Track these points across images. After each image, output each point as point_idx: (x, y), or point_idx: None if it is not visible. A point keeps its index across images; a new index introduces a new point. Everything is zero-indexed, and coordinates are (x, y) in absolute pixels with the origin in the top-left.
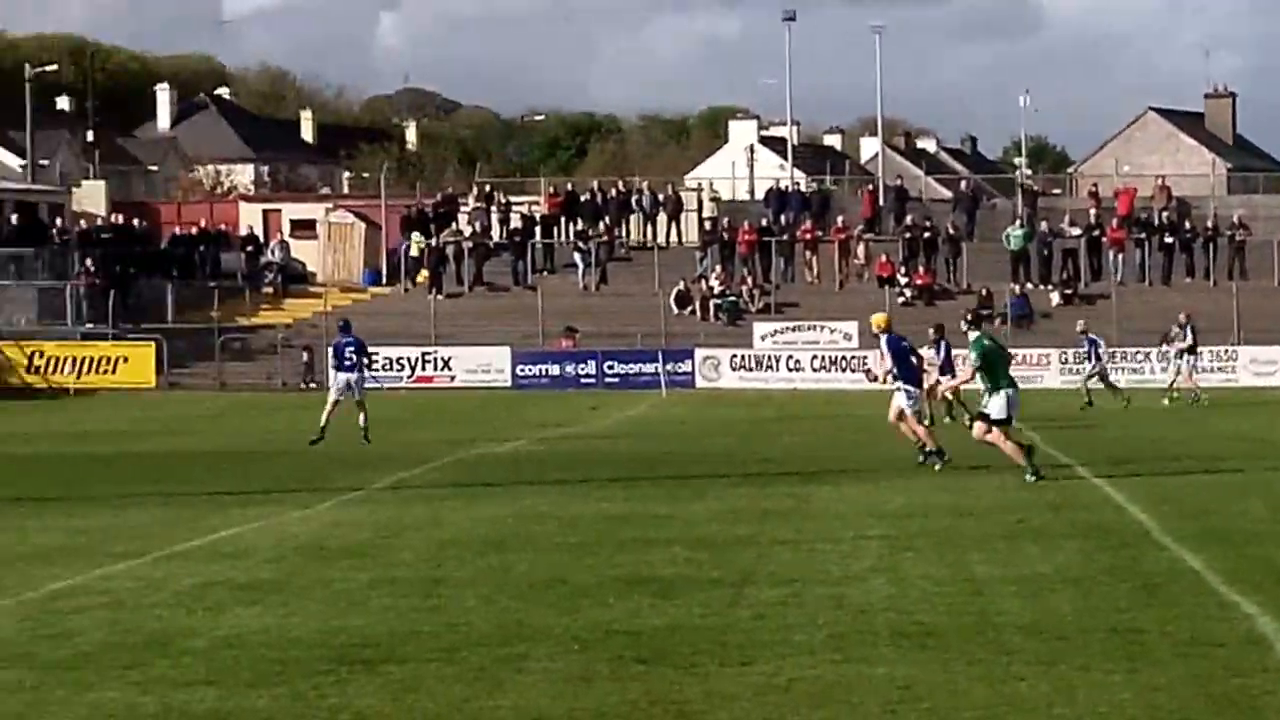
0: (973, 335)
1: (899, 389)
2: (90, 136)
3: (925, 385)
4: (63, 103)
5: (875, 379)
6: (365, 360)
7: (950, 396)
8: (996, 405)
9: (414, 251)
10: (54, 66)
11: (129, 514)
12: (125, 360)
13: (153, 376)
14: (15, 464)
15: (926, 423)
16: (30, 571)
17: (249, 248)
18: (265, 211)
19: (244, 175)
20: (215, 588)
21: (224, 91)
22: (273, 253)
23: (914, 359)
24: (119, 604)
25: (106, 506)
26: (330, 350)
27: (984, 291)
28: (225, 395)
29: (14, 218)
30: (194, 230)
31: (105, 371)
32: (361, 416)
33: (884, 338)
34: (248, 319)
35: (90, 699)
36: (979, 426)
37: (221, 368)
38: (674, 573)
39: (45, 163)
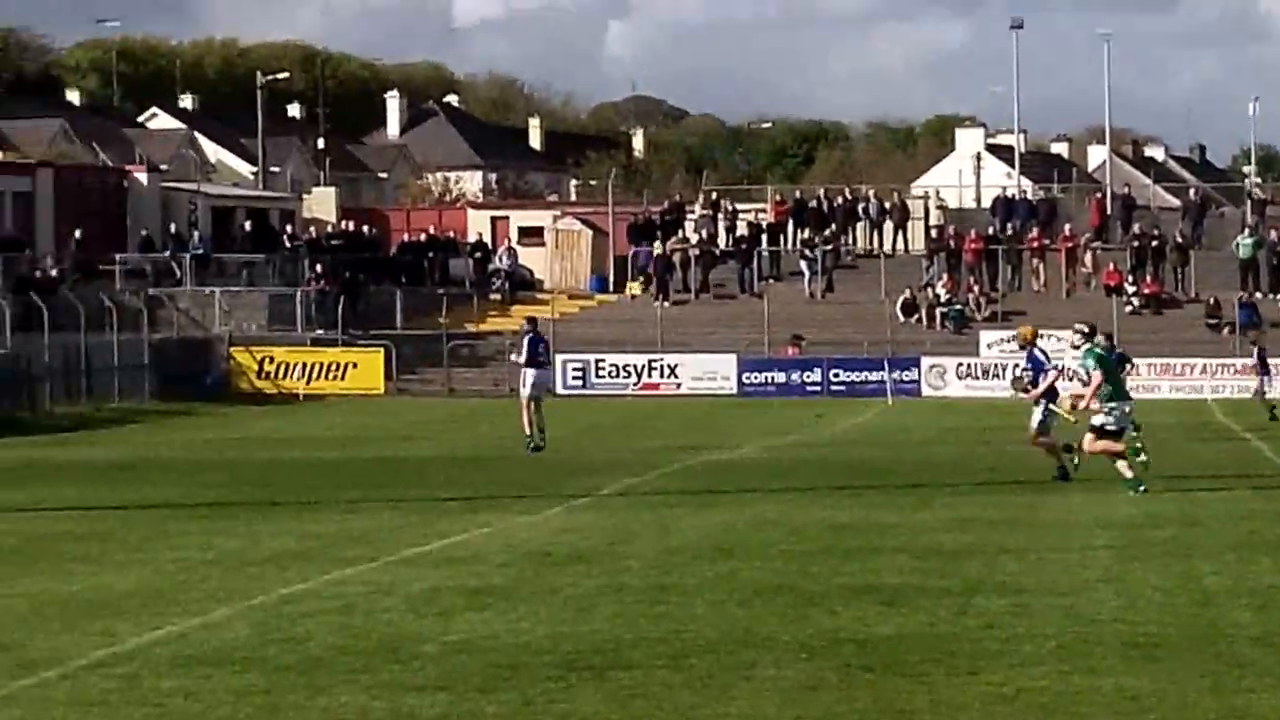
0: (1085, 347)
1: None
2: (321, 144)
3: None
4: (294, 110)
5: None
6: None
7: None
8: (1111, 416)
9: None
10: (285, 74)
11: (358, 519)
12: (354, 366)
13: (381, 382)
14: (246, 469)
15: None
16: (262, 576)
17: (477, 254)
18: (493, 219)
19: (472, 182)
20: (445, 593)
21: (453, 99)
22: (500, 260)
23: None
24: (349, 608)
25: (336, 511)
26: (526, 344)
27: (1212, 300)
28: (453, 401)
29: (246, 224)
30: (423, 237)
31: (334, 377)
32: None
33: (1027, 351)
34: (475, 325)
35: (322, 703)
36: (1089, 437)
37: (449, 374)
38: (901, 581)
39: (276, 170)
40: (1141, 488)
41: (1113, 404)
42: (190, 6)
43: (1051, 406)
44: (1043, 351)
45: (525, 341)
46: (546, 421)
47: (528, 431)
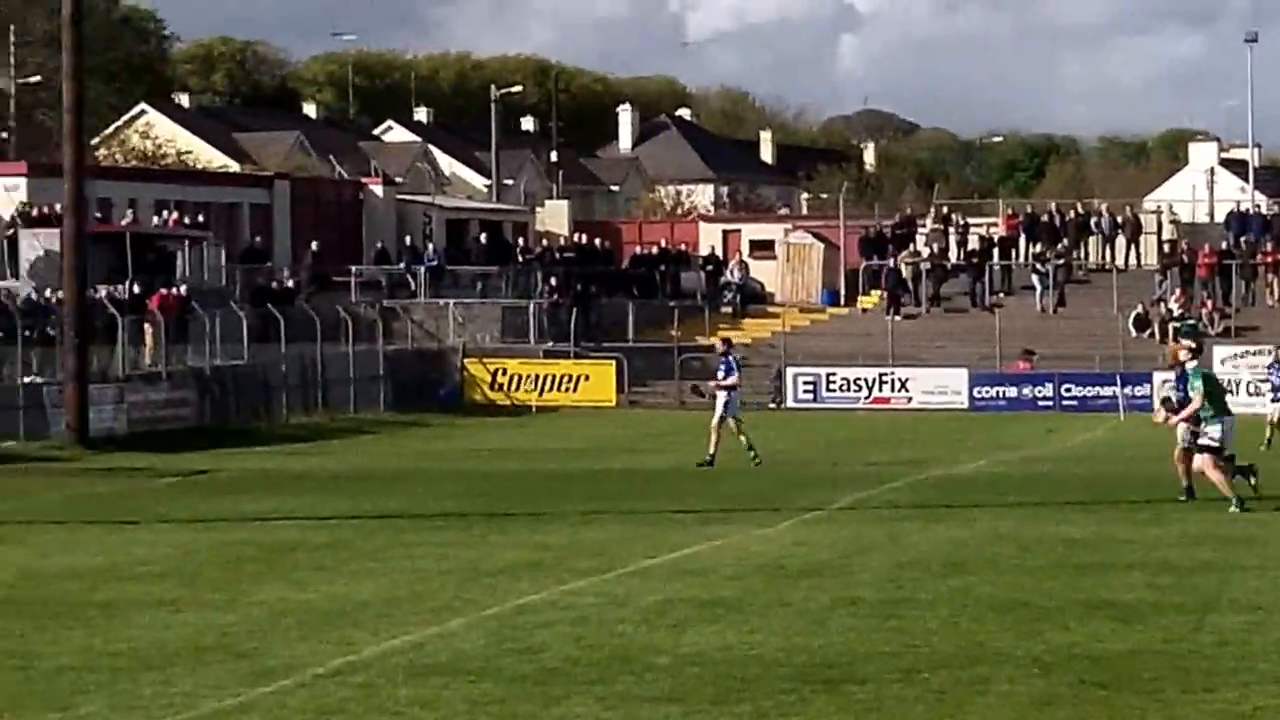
0: (1192, 365)
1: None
2: (554, 157)
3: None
4: (527, 123)
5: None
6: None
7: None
8: (1216, 433)
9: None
10: (519, 88)
11: (591, 530)
12: (586, 378)
13: (613, 394)
14: (480, 480)
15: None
16: (496, 586)
17: (709, 267)
18: (725, 232)
19: (704, 195)
20: (677, 605)
21: (685, 112)
22: (732, 273)
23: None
24: (583, 619)
25: (569, 523)
26: (723, 366)
27: None
28: (684, 413)
29: (480, 237)
30: (654, 250)
31: (567, 389)
32: (717, 438)
33: (1177, 371)
34: (706, 338)
35: (556, 713)
36: (1205, 459)
37: (681, 386)
38: (1135, 597)
39: (510, 182)
40: (1244, 506)
41: (1216, 422)
42: (426, 20)
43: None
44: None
45: (723, 363)
46: (753, 438)
47: (711, 450)
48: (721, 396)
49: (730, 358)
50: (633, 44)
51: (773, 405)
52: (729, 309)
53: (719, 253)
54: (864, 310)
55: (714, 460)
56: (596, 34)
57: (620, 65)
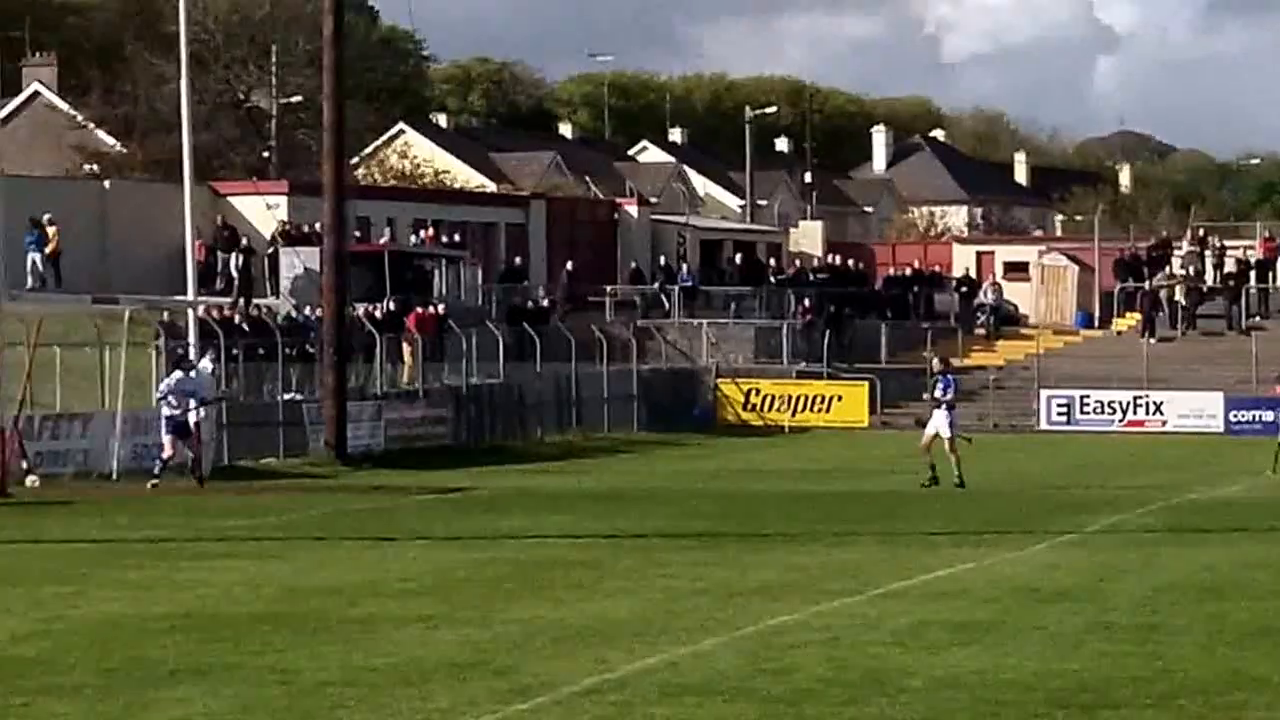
0: None
1: None
2: (808, 177)
3: None
4: (781, 144)
5: None
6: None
7: None
8: None
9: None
10: (773, 109)
11: (844, 551)
12: (839, 399)
13: (866, 415)
14: (733, 500)
15: None
16: (750, 606)
17: (962, 289)
18: (978, 253)
19: (957, 217)
20: (930, 627)
21: (939, 133)
22: (985, 294)
23: None
24: (836, 641)
25: (822, 543)
26: (942, 384)
27: None
28: None
29: (735, 257)
30: (907, 271)
31: (819, 410)
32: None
33: None
34: (960, 360)
35: None
36: None
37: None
38: None
39: (764, 203)
40: None
41: None
42: (681, 41)
43: None
44: None
45: (940, 382)
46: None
47: (929, 464)
48: (942, 415)
49: (949, 376)
50: (888, 65)
51: (1032, 429)
52: (982, 331)
53: (973, 274)
54: (1118, 333)
55: (936, 478)
56: (852, 55)
57: (875, 86)
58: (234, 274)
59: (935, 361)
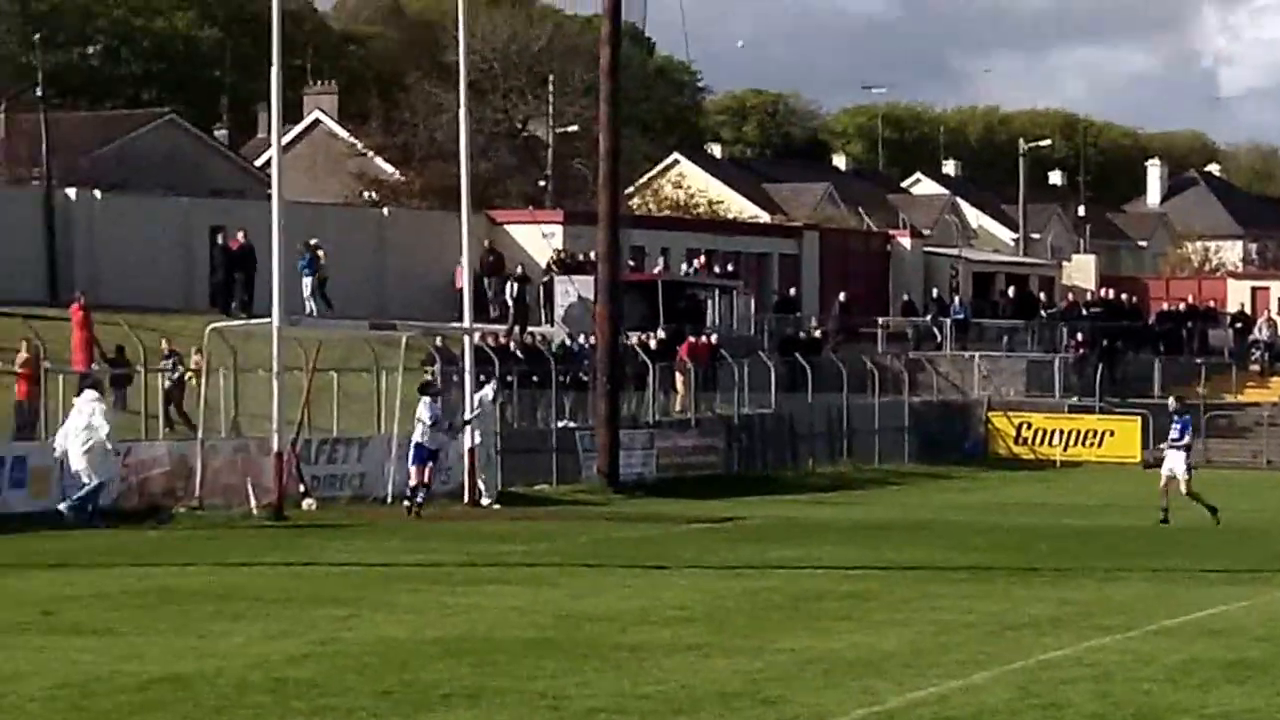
0: None
1: None
2: (1081, 211)
3: None
4: (1055, 177)
5: None
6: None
7: None
8: None
9: None
10: (1047, 141)
11: (1115, 587)
12: (1111, 434)
13: (1138, 450)
14: (1004, 533)
15: None
16: (1020, 640)
17: (1237, 325)
18: (1253, 289)
19: (1232, 252)
20: (1203, 664)
21: (1214, 168)
22: (1260, 330)
23: None
24: (1107, 676)
25: (1093, 578)
26: (1178, 425)
27: None
28: (1206, 471)
29: (1007, 290)
30: (1181, 306)
31: (1091, 444)
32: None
33: None
34: (1234, 396)
35: None
36: None
37: (1206, 444)
38: None
39: (1037, 236)
40: None
41: None
42: (956, 74)
43: None
44: None
45: (1177, 423)
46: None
47: (1162, 504)
48: (1179, 457)
49: (1185, 418)
50: (1163, 99)
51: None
52: (1257, 367)
53: (1247, 310)
54: None
55: (1168, 517)
56: (1128, 89)
57: (1150, 119)
58: (508, 301)
59: (1171, 401)
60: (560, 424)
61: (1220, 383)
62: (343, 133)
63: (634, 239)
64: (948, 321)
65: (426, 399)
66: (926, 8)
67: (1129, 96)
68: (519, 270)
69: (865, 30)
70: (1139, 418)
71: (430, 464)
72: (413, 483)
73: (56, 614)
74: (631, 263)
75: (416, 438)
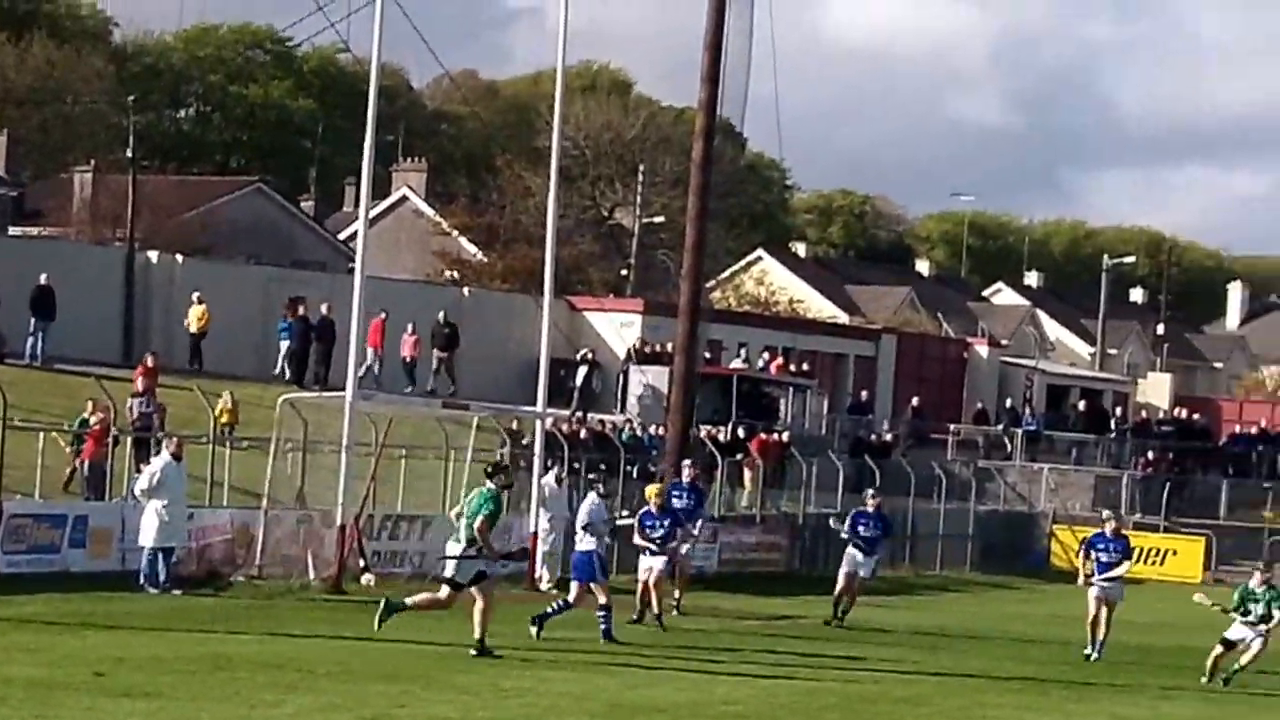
0: None
1: None
2: (1160, 329)
3: None
4: (1136, 294)
5: None
6: None
7: None
8: None
9: None
10: (1131, 259)
11: (1171, 705)
12: (1174, 553)
13: (1200, 571)
14: (1062, 648)
15: None
16: None
17: None
18: None
19: None
20: None
21: None
22: None
23: None
24: None
25: (1148, 696)
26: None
27: None
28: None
29: (1080, 404)
30: (1254, 429)
31: (1153, 562)
32: None
33: None
34: None
35: None
36: None
37: (1273, 569)
38: None
39: (1114, 352)
40: None
41: None
42: (1044, 186)
43: None
44: None
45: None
46: None
47: None
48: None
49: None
50: (1259, 225)
51: None
52: None
53: None
54: None
55: None
56: (1218, 212)
57: (1237, 243)
58: (575, 386)
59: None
60: (624, 514)
61: None
62: (429, 210)
63: (712, 332)
64: (1019, 432)
65: (592, 495)
66: (1048, 123)
67: (1218, 219)
68: (589, 354)
69: (976, 139)
70: (1203, 538)
71: (595, 578)
72: (572, 598)
73: (108, 675)
74: (708, 355)
75: (589, 545)
